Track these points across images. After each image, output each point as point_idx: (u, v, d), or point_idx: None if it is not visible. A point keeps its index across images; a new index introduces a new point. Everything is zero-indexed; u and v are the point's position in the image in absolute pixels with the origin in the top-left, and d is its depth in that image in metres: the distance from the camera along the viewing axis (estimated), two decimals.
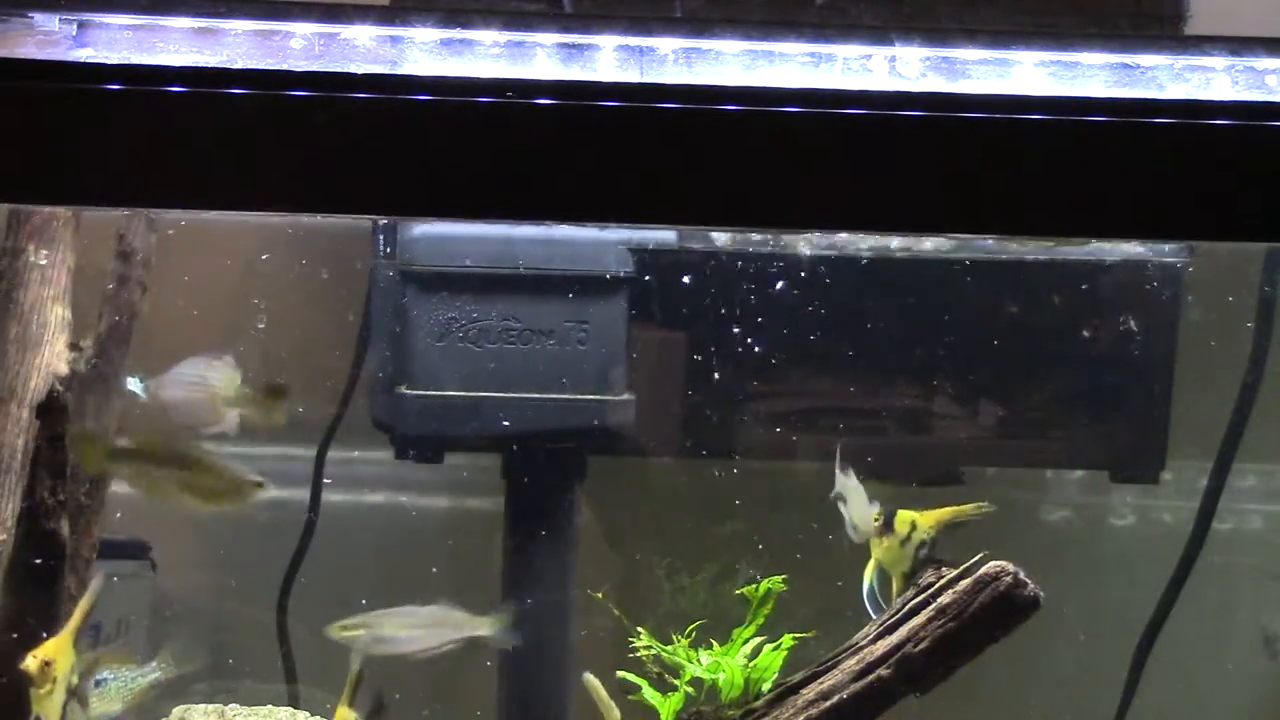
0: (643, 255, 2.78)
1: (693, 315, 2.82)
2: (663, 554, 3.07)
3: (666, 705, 2.47)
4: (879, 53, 1.84)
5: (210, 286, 3.01)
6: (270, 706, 2.84)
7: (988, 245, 2.81)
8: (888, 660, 2.34)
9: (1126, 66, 1.85)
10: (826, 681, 2.37)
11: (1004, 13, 1.94)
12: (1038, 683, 3.18)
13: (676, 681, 2.47)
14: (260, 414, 2.48)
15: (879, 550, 2.43)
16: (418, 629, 2.66)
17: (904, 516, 2.43)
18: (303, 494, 3.03)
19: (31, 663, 2.25)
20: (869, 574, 2.44)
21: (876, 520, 2.42)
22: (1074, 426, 2.91)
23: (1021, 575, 2.32)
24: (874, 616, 2.40)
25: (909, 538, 2.41)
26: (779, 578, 2.48)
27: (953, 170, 1.76)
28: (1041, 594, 2.32)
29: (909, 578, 2.41)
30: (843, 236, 2.76)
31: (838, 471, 2.44)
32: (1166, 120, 1.76)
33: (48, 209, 2.54)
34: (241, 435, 2.74)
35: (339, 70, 1.74)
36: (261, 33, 1.81)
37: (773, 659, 2.45)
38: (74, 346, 2.59)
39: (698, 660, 2.46)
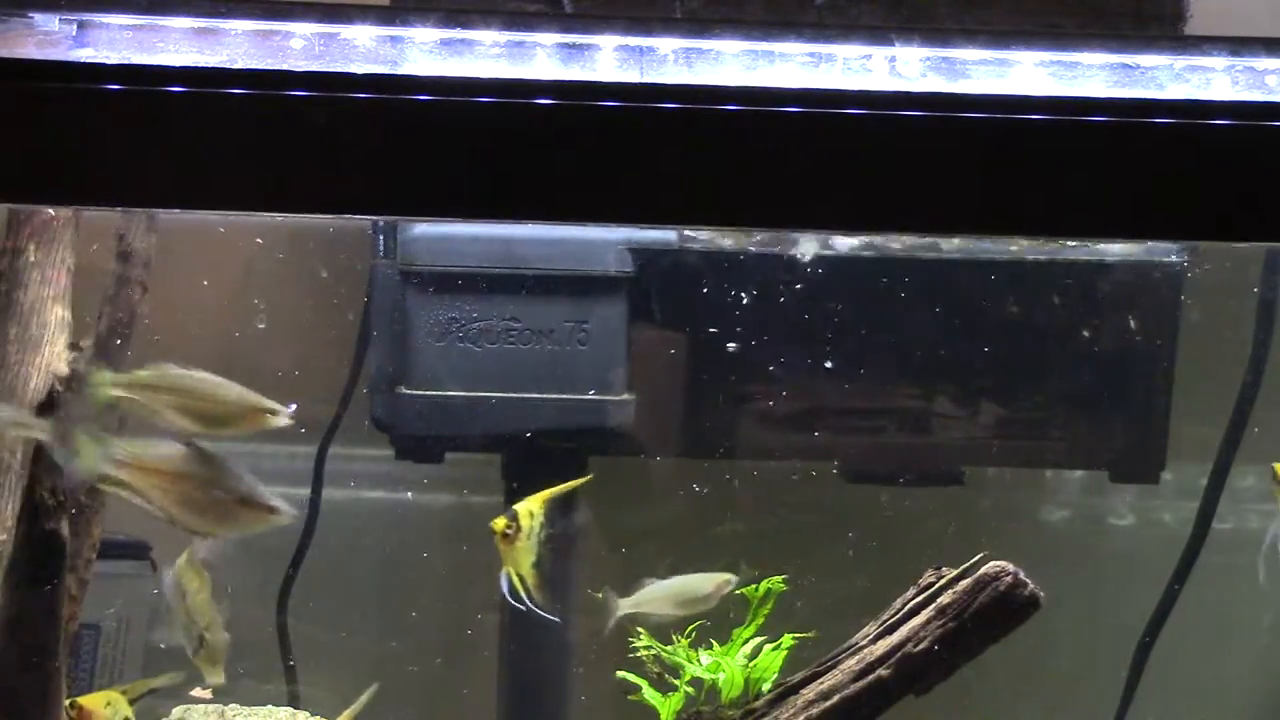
0: (643, 255, 2.78)
1: (693, 315, 2.82)
2: (663, 554, 3.07)
3: (666, 705, 2.47)
4: (879, 53, 1.84)
5: (210, 286, 3.01)
6: (270, 706, 2.84)
7: (988, 245, 2.81)
8: (888, 660, 2.34)
9: (1126, 66, 1.85)
10: (826, 681, 2.37)
11: (1004, 13, 1.94)
12: (1038, 683, 3.18)
13: (676, 681, 2.47)
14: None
15: (515, 554, 2.43)
16: None
17: (523, 511, 2.43)
18: (303, 493, 3.03)
19: None
20: (515, 578, 2.44)
21: (509, 528, 2.42)
22: (1074, 426, 2.91)
23: (1021, 575, 2.32)
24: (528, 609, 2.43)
25: (531, 529, 2.43)
26: (779, 578, 2.49)
27: (953, 170, 1.76)
28: (1041, 594, 2.32)
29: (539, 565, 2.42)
30: (843, 237, 2.76)
31: None
32: (1166, 120, 1.76)
33: (48, 209, 2.54)
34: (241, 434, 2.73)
35: (339, 70, 1.74)
36: (261, 33, 1.81)
37: (773, 659, 2.45)
38: (74, 346, 2.58)
39: (698, 660, 2.46)
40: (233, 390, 2.36)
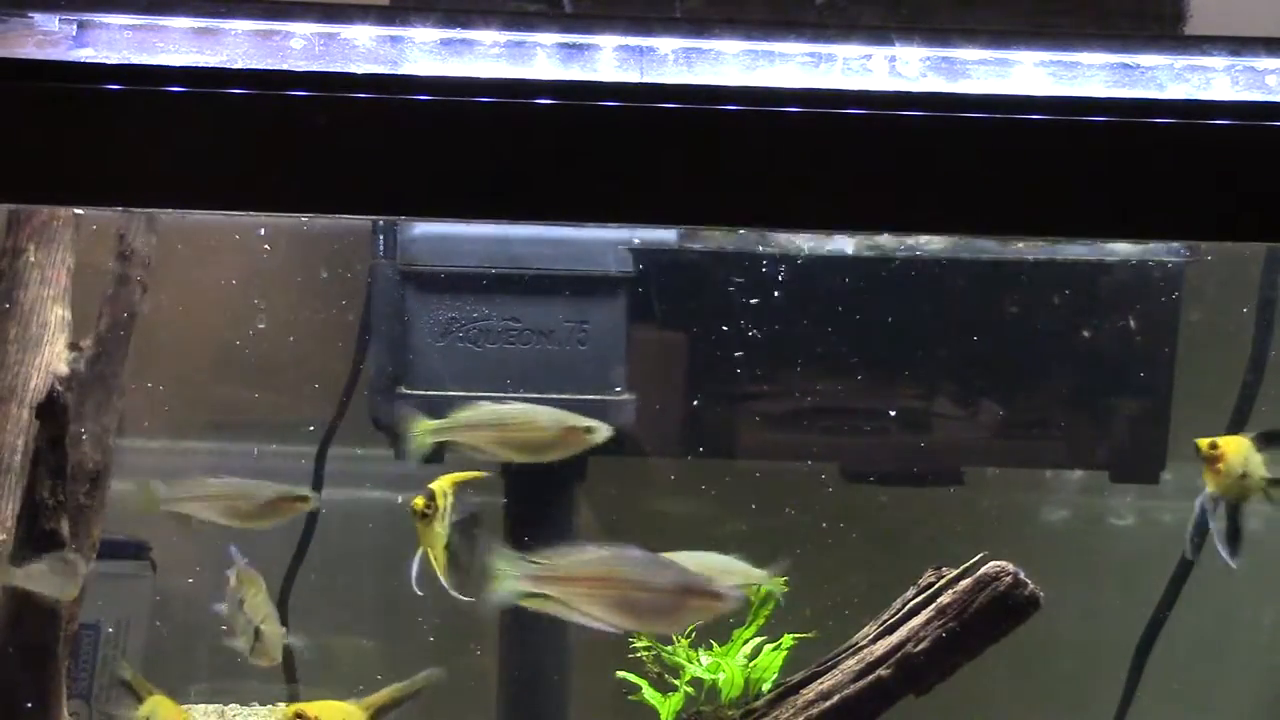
0: (643, 255, 2.78)
1: (693, 315, 2.82)
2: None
3: (666, 705, 2.47)
4: (879, 53, 1.84)
5: (210, 286, 3.01)
6: (270, 706, 2.84)
7: (988, 245, 2.81)
8: (888, 660, 2.34)
9: (1126, 66, 1.85)
10: (826, 681, 2.37)
11: (1004, 13, 1.94)
12: (1038, 683, 3.18)
13: (676, 681, 2.47)
14: None
15: (431, 534, 2.43)
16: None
17: (439, 489, 2.44)
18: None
19: None
20: (432, 559, 2.44)
21: (428, 508, 2.42)
22: (1074, 426, 2.91)
23: (1021, 575, 2.32)
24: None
25: (445, 510, 2.44)
26: (780, 579, 2.49)
27: (953, 170, 1.76)
28: (1041, 594, 2.32)
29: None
30: (843, 236, 2.76)
31: None
32: (1166, 120, 1.76)
33: (48, 209, 2.54)
34: (241, 434, 2.74)
35: (339, 70, 1.74)
36: (261, 33, 1.81)
37: (773, 659, 2.45)
38: (74, 346, 2.58)
39: (698, 660, 2.46)
40: (547, 415, 2.32)
